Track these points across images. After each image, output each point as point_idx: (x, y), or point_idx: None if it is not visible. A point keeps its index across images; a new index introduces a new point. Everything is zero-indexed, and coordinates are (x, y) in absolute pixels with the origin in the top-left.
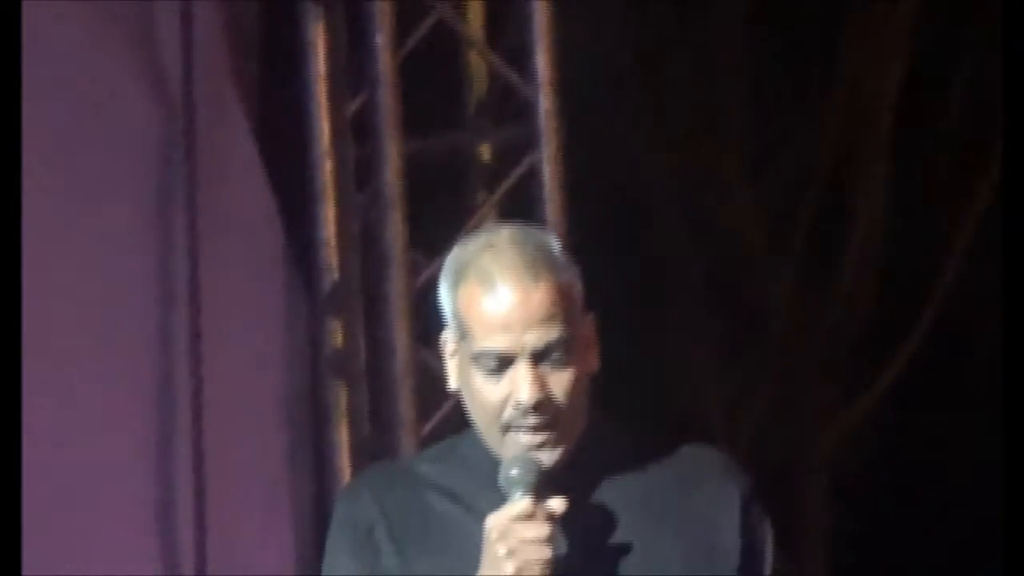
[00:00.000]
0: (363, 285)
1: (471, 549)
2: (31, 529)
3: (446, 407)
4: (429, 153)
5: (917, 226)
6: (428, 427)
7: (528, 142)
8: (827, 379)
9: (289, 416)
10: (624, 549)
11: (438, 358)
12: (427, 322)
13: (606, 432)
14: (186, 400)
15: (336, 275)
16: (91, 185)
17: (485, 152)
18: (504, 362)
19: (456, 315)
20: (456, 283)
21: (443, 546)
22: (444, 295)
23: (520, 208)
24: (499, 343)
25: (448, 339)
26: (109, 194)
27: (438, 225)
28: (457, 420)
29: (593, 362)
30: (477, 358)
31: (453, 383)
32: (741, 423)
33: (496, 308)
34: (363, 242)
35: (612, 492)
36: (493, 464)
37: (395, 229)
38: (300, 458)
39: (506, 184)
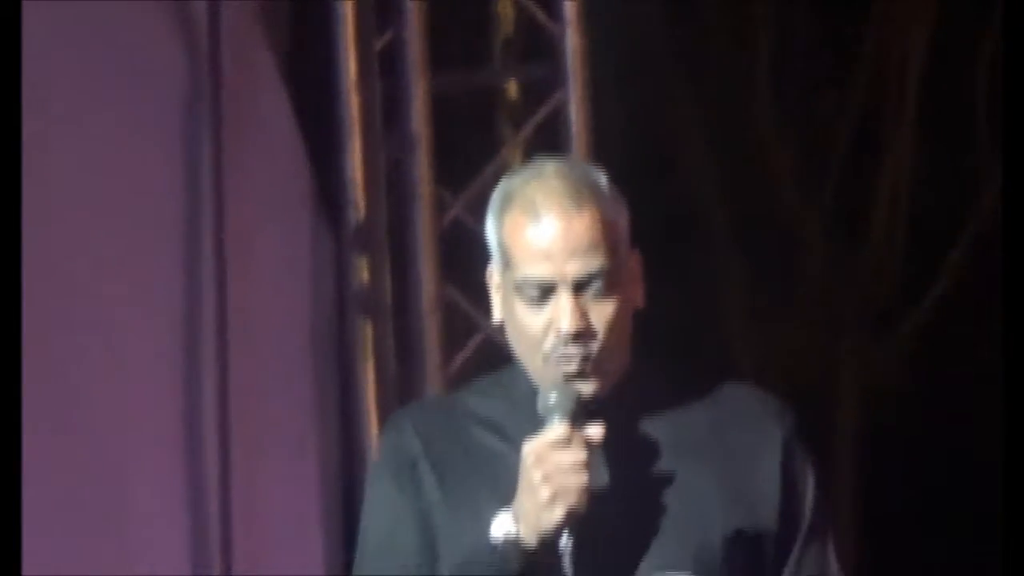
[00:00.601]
0: (389, 222)
1: (513, 481)
2: (53, 474)
3: (472, 343)
4: (456, 90)
5: (946, 176)
6: (454, 364)
7: (555, 81)
8: (856, 328)
9: (315, 353)
10: (661, 484)
11: (464, 295)
12: (452, 259)
13: (648, 369)
14: (211, 338)
15: (362, 212)
16: (116, 124)
17: (512, 90)
18: (546, 291)
19: (500, 245)
20: (501, 213)
21: (485, 478)
22: (489, 226)
23: (546, 146)
24: (541, 271)
25: (493, 271)
26: (135, 133)
27: (464, 163)
28: (483, 356)
29: (638, 297)
30: (520, 287)
31: (497, 315)
32: (769, 371)
33: (539, 236)
34: (389, 179)
35: (651, 428)
36: (536, 396)
37: (421, 166)
38: (326, 394)
39: (532, 122)
